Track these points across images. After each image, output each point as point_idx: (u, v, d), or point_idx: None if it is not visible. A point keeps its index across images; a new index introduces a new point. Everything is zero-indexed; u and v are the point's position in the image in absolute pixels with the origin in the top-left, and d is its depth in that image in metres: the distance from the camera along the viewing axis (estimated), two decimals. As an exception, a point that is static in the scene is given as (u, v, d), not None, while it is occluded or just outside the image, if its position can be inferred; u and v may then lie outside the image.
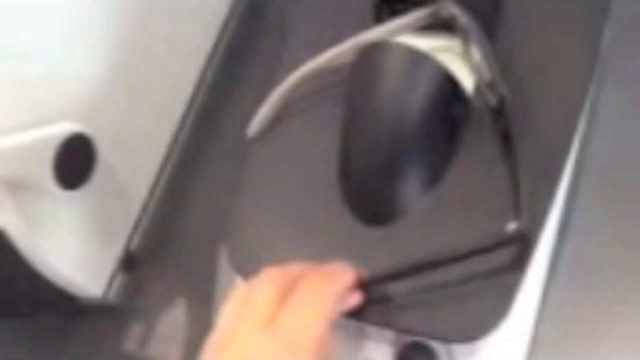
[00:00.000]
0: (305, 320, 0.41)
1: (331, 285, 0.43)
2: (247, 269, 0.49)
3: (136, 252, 0.61)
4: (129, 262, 0.60)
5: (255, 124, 0.50)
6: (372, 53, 0.48)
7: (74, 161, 0.51)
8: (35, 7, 0.48)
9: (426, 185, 0.47)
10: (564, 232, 0.52)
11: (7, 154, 0.48)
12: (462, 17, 0.47)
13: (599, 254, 0.52)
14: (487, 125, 0.48)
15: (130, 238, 0.60)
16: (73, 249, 0.55)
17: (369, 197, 0.48)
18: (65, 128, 0.50)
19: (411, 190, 0.48)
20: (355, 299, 0.45)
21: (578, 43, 0.49)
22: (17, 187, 0.49)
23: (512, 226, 0.43)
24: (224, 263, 0.58)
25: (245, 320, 0.42)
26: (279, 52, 0.53)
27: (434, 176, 0.48)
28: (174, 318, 0.60)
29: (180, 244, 0.62)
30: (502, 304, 0.44)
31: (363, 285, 0.45)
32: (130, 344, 0.61)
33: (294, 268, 0.44)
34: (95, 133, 0.52)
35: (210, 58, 0.63)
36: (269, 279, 0.43)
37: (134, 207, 0.60)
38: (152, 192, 0.61)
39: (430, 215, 0.47)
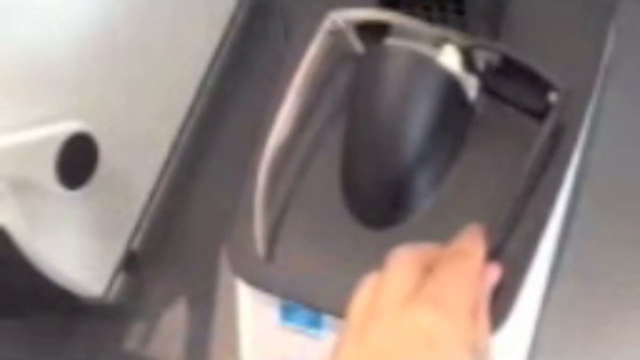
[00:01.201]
0: (454, 290, 0.40)
1: (470, 261, 0.42)
2: (246, 271, 0.49)
3: (137, 251, 0.61)
4: (130, 262, 0.60)
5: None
6: (375, 56, 0.48)
7: (76, 160, 0.51)
8: (40, 7, 0.48)
9: (430, 188, 0.47)
10: (566, 234, 0.52)
11: (10, 152, 0.48)
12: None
13: (600, 256, 0.52)
14: (491, 127, 0.48)
15: (131, 238, 0.60)
16: (74, 248, 0.55)
17: (373, 200, 0.48)
18: (67, 127, 0.50)
19: (415, 193, 0.48)
20: (495, 273, 0.44)
21: (582, 44, 0.49)
22: (19, 186, 0.49)
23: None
24: (224, 263, 0.58)
25: (387, 297, 0.40)
26: (282, 53, 0.53)
27: (437, 179, 0.48)
28: (175, 317, 0.60)
29: (182, 244, 0.62)
30: (503, 307, 0.44)
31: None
32: (131, 343, 0.61)
33: (426, 247, 0.43)
34: (97, 133, 0.52)
35: (214, 59, 0.63)
36: (405, 259, 0.42)
37: (136, 207, 0.60)
38: (153, 192, 0.61)
39: (434, 218, 0.47)
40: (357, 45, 0.49)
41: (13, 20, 0.47)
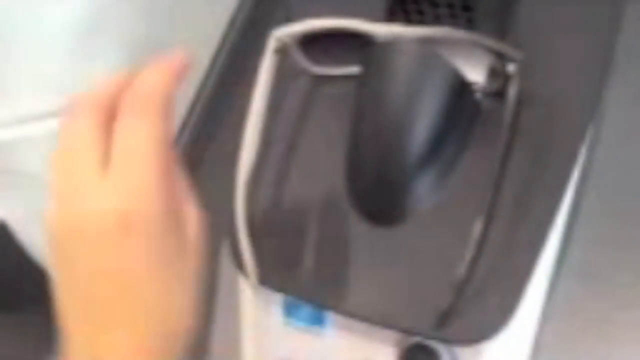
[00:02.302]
0: (140, 149, 0.38)
1: (153, 104, 0.39)
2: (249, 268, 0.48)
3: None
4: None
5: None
6: (381, 52, 0.47)
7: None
8: (44, 17, 0.48)
9: (435, 186, 0.47)
10: (570, 234, 0.52)
11: (8, 145, 0.48)
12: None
13: (603, 256, 0.52)
14: (497, 125, 0.48)
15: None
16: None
17: (377, 197, 0.48)
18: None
19: (420, 190, 0.47)
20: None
21: (591, 43, 0.48)
22: (18, 179, 0.49)
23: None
24: (224, 262, 0.58)
25: (79, 173, 0.38)
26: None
27: (443, 176, 0.47)
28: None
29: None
30: (507, 307, 0.44)
31: None
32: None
33: (103, 92, 0.39)
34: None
35: (213, 63, 0.63)
36: (84, 112, 0.39)
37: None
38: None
39: (439, 215, 0.47)
40: (302, 60, 0.49)
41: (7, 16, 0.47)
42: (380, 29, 0.47)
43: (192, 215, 0.41)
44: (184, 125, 0.61)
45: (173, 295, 0.40)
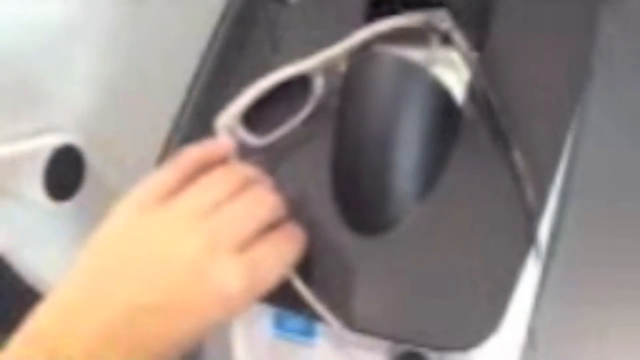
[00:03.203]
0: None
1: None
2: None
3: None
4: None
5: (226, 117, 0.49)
6: (363, 63, 0.48)
7: (64, 173, 0.51)
8: (27, 18, 0.48)
9: (420, 194, 0.47)
10: (557, 236, 0.52)
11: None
12: (454, 31, 0.47)
13: (593, 257, 0.52)
14: (480, 133, 0.48)
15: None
16: (62, 261, 0.54)
17: (363, 207, 0.48)
18: (55, 140, 0.50)
19: (405, 199, 0.48)
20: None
21: (568, 53, 0.49)
22: (6, 198, 0.49)
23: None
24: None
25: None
26: (269, 61, 0.53)
27: (427, 185, 0.48)
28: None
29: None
30: (496, 312, 0.44)
31: None
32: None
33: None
34: (84, 145, 0.52)
35: (200, 70, 0.63)
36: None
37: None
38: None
39: (426, 223, 0.47)
40: (249, 137, 0.50)
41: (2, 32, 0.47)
42: (313, 62, 0.48)
43: None
44: (175, 126, 0.61)
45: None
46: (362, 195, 0.48)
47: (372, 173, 0.47)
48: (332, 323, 0.45)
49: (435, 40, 0.49)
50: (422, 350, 0.47)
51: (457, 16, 0.48)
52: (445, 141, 0.48)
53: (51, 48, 0.50)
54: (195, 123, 0.60)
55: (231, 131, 0.48)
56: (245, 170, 0.45)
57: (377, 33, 0.49)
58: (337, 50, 0.49)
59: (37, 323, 0.40)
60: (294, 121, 0.50)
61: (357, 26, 0.50)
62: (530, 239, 0.45)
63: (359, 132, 0.48)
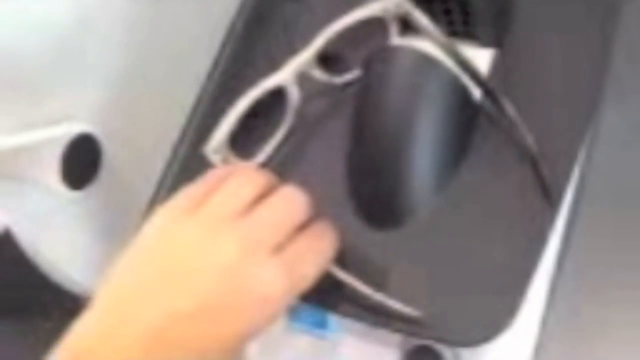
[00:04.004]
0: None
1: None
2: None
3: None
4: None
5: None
6: (382, 57, 0.48)
7: (80, 161, 0.51)
8: (43, 11, 0.48)
9: (437, 189, 0.47)
10: (569, 237, 0.52)
11: (14, 153, 0.48)
12: (421, 17, 0.47)
13: (604, 259, 0.52)
14: (496, 128, 0.48)
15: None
16: (77, 249, 0.55)
17: (378, 201, 0.48)
18: (72, 128, 0.50)
19: (420, 194, 0.48)
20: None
21: (588, 46, 0.49)
22: (24, 186, 0.49)
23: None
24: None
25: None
26: (284, 55, 0.53)
27: (444, 180, 0.48)
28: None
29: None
30: (509, 309, 0.44)
31: None
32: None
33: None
34: (101, 134, 0.52)
35: (217, 60, 0.63)
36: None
37: (139, 208, 0.60)
38: (157, 193, 0.61)
39: (440, 218, 0.47)
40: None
41: (19, 21, 0.47)
42: (285, 73, 0.48)
43: None
44: (181, 136, 0.62)
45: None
46: (379, 190, 0.48)
47: (389, 167, 0.47)
48: (397, 308, 0.45)
49: (394, 27, 0.49)
50: (435, 346, 0.47)
51: (476, 12, 0.48)
52: (462, 136, 0.48)
53: (68, 39, 0.50)
54: (207, 121, 0.61)
55: (224, 159, 0.48)
56: (267, 173, 0.45)
57: (339, 31, 0.49)
58: (305, 55, 0.49)
59: (77, 337, 0.40)
60: (278, 135, 0.51)
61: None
62: (545, 235, 0.45)
63: (377, 127, 0.48)
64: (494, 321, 0.44)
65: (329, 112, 0.52)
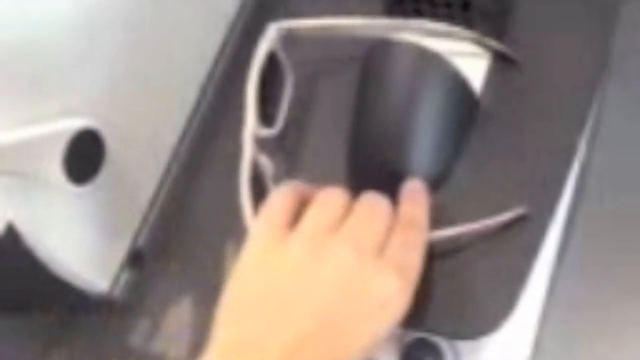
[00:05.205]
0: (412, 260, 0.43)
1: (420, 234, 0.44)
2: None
3: (143, 248, 0.61)
4: (136, 258, 0.60)
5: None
6: (382, 51, 0.48)
7: (83, 156, 0.51)
8: (46, 4, 0.49)
9: (436, 183, 0.48)
10: (568, 233, 0.52)
11: (17, 148, 0.48)
12: None
13: (602, 255, 0.52)
14: (496, 123, 0.48)
15: (137, 234, 0.60)
16: (80, 244, 0.55)
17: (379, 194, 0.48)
18: (75, 123, 0.50)
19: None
20: None
21: (587, 44, 0.49)
22: (26, 181, 0.49)
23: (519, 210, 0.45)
24: (231, 260, 0.58)
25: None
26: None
27: (443, 174, 0.48)
28: (180, 314, 0.60)
29: (188, 240, 0.62)
30: (508, 302, 0.44)
31: None
32: (135, 339, 0.61)
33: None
34: (104, 129, 0.52)
35: (219, 55, 0.63)
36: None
37: (142, 203, 0.60)
38: (160, 188, 0.61)
39: (440, 213, 0.47)
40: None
41: (23, 15, 0.47)
42: (384, 24, 0.48)
43: None
44: (184, 130, 0.62)
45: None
46: (377, 183, 0.48)
47: (389, 161, 0.48)
48: None
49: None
50: (433, 339, 0.48)
51: (479, 6, 0.48)
52: (462, 131, 0.48)
53: (71, 35, 0.50)
54: (207, 121, 0.61)
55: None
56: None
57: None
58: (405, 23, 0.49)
59: None
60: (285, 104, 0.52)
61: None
62: (544, 229, 0.45)
63: (377, 120, 0.48)
64: (492, 314, 0.45)
65: (328, 108, 0.52)
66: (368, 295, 0.41)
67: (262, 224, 0.44)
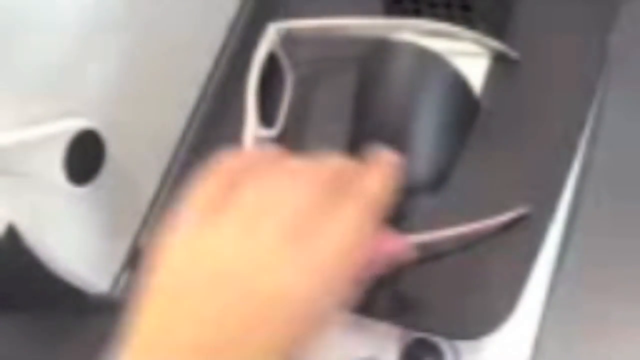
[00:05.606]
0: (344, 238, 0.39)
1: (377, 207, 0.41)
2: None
3: (144, 248, 0.61)
4: (137, 258, 0.60)
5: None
6: (381, 51, 0.48)
7: (84, 157, 0.51)
8: (45, 4, 0.49)
9: (435, 184, 0.48)
10: (569, 233, 0.52)
11: (17, 148, 0.48)
12: None
13: (603, 255, 0.52)
14: (496, 124, 0.48)
15: (138, 234, 0.60)
16: (81, 245, 0.55)
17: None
18: (75, 124, 0.50)
19: (421, 188, 0.48)
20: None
21: (587, 44, 0.49)
22: (26, 181, 0.49)
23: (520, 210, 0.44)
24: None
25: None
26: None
27: (442, 174, 0.48)
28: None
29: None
30: (508, 302, 0.44)
31: None
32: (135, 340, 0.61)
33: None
34: (104, 129, 0.52)
35: (220, 55, 0.64)
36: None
37: (142, 204, 0.60)
38: (160, 188, 0.61)
39: (441, 212, 0.47)
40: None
41: (23, 17, 0.47)
42: (383, 24, 0.48)
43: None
44: (184, 130, 0.62)
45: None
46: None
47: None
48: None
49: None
50: (433, 339, 0.48)
51: (478, 6, 0.48)
52: (462, 131, 0.48)
53: (71, 36, 0.51)
54: (208, 121, 0.61)
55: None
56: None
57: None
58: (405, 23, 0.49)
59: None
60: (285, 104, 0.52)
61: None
62: (544, 228, 0.45)
63: (377, 120, 0.48)
64: (492, 315, 0.44)
65: (328, 108, 0.52)
66: (269, 285, 0.37)
67: (189, 210, 0.41)
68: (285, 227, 0.38)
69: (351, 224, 0.39)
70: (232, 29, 0.65)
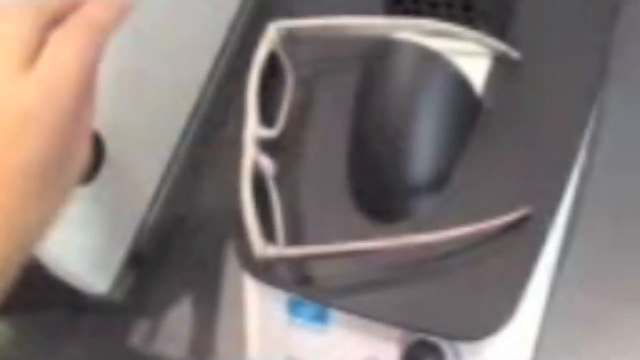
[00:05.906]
0: (67, 62, 0.40)
1: (96, 30, 0.41)
2: (255, 266, 0.49)
3: (143, 249, 0.61)
4: (136, 259, 0.60)
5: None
6: (382, 51, 0.48)
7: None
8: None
9: (437, 184, 0.48)
10: (570, 235, 0.52)
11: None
12: None
13: (604, 256, 0.52)
14: (497, 124, 0.48)
15: (137, 235, 0.60)
16: (80, 245, 0.55)
17: (380, 195, 0.48)
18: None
19: (422, 188, 0.48)
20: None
21: (588, 45, 0.49)
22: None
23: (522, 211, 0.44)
24: (231, 260, 0.58)
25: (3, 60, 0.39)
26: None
27: (444, 175, 0.48)
28: (180, 315, 0.60)
29: (187, 241, 0.62)
30: (509, 303, 0.44)
31: None
32: (135, 340, 0.61)
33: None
34: (104, 130, 0.52)
35: (220, 55, 0.64)
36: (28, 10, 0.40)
37: (142, 204, 0.60)
38: (159, 189, 0.61)
39: (442, 212, 0.47)
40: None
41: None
42: (384, 23, 0.48)
43: (83, 145, 0.43)
44: (184, 130, 0.62)
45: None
46: (378, 183, 0.48)
47: (389, 161, 0.48)
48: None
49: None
50: (435, 340, 0.47)
51: (480, 6, 0.48)
52: (463, 131, 0.48)
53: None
54: (208, 121, 0.61)
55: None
56: None
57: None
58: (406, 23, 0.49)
59: None
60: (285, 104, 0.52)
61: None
62: (545, 229, 0.45)
63: (378, 120, 0.48)
64: (494, 316, 0.44)
65: (329, 107, 0.52)
66: (7, 115, 0.38)
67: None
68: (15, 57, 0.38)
69: (78, 50, 0.40)
70: (232, 29, 0.65)
